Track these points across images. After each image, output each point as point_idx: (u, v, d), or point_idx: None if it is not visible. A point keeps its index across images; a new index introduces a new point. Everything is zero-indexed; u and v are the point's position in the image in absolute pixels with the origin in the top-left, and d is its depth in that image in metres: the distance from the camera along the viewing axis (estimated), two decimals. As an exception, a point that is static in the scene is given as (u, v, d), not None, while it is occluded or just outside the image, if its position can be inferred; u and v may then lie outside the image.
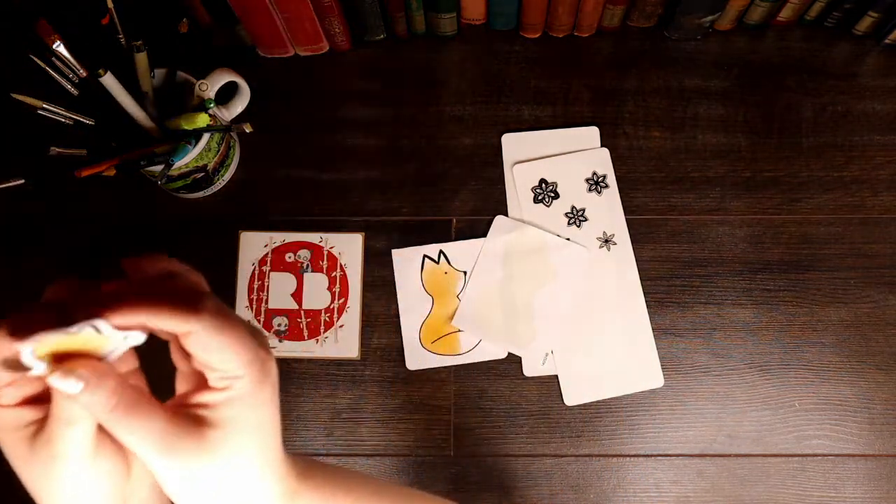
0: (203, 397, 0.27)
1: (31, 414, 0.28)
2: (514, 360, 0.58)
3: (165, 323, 0.26)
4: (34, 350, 0.24)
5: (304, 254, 0.60)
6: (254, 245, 0.60)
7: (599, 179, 0.61)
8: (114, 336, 0.26)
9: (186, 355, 0.28)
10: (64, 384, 0.25)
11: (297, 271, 0.60)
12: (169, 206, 0.61)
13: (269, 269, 0.60)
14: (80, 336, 0.25)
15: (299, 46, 0.63)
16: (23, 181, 0.50)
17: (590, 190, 0.61)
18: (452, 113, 0.63)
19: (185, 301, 0.26)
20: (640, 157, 0.61)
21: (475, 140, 0.62)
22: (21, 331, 0.25)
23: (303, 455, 0.33)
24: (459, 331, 0.58)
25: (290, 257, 0.60)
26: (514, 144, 0.62)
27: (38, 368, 0.24)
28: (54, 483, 0.27)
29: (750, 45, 0.64)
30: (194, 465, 0.27)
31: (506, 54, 0.64)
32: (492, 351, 0.58)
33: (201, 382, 0.28)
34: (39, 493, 0.28)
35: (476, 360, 0.58)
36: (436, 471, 0.56)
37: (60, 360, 0.25)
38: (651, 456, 0.56)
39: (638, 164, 0.61)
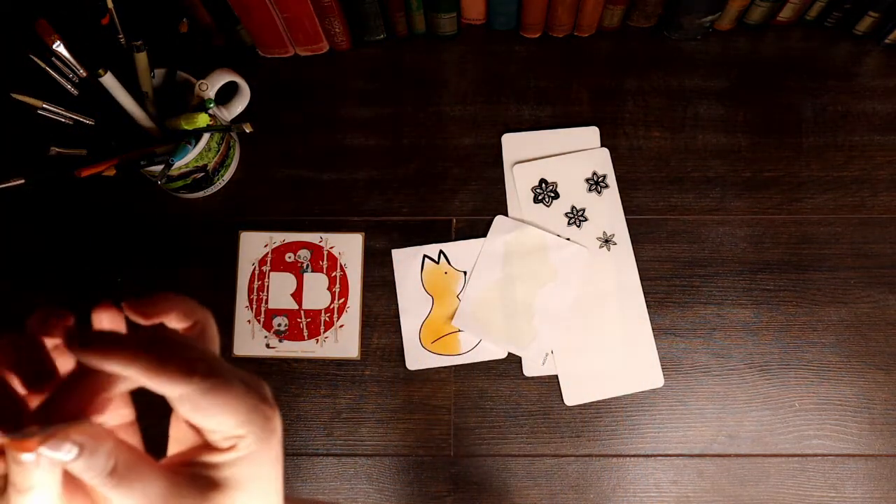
0: (205, 457, 0.26)
1: None
2: (514, 360, 0.58)
3: (157, 386, 0.24)
4: None
5: (304, 254, 0.60)
6: (254, 245, 0.60)
7: (599, 179, 0.61)
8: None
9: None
10: (56, 453, 0.22)
11: (297, 271, 0.60)
12: (169, 206, 0.61)
13: (269, 269, 0.60)
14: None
15: (299, 46, 0.63)
16: (23, 181, 0.50)
17: (590, 190, 0.61)
18: (452, 113, 0.63)
19: (176, 364, 0.24)
20: (640, 157, 0.61)
21: (475, 140, 0.62)
22: None
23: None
24: (459, 331, 0.58)
25: (290, 257, 0.60)
26: (514, 144, 0.62)
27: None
28: None
29: (750, 45, 0.64)
30: None
31: (506, 54, 0.64)
32: (492, 351, 0.58)
33: (202, 442, 0.27)
34: None
35: (476, 360, 0.58)
36: (436, 471, 0.56)
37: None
38: (651, 456, 0.56)
39: (638, 164, 0.61)
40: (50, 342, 0.27)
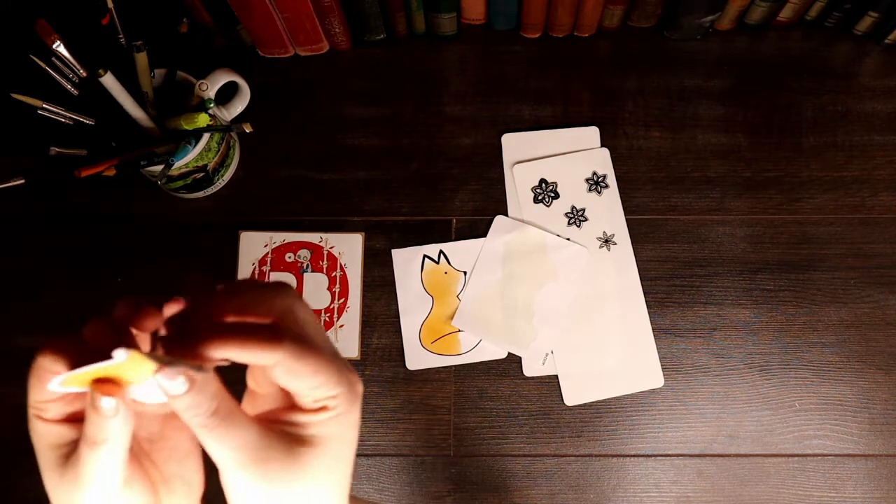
0: (295, 416, 0.27)
1: (70, 433, 0.27)
2: (514, 360, 0.58)
3: (252, 357, 0.25)
4: (62, 381, 0.24)
5: (304, 254, 0.60)
6: (254, 245, 0.60)
7: (599, 179, 0.61)
8: (147, 375, 0.24)
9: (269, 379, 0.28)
10: (170, 383, 0.24)
11: (297, 271, 0.60)
12: (169, 206, 0.61)
13: (269, 269, 0.60)
14: (117, 366, 0.23)
15: (299, 46, 0.63)
16: (23, 181, 0.50)
17: (590, 190, 0.61)
18: (452, 113, 0.63)
19: (266, 333, 0.26)
20: (640, 157, 0.61)
21: (475, 140, 0.62)
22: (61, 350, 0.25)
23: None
24: (459, 331, 0.58)
25: (290, 257, 0.60)
26: (514, 144, 0.62)
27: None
28: None
29: (750, 45, 0.64)
30: (281, 481, 0.26)
31: (506, 54, 0.64)
32: (492, 351, 0.58)
33: (290, 402, 0.28)
34: None
35: (476, 360, 0.58)
36: (436, 471, 0.56)
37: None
38: (651, 456, 0.56)
39: (638, 164, 0.61)
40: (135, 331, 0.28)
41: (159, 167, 0.52)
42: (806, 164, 0.61)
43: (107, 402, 0.24)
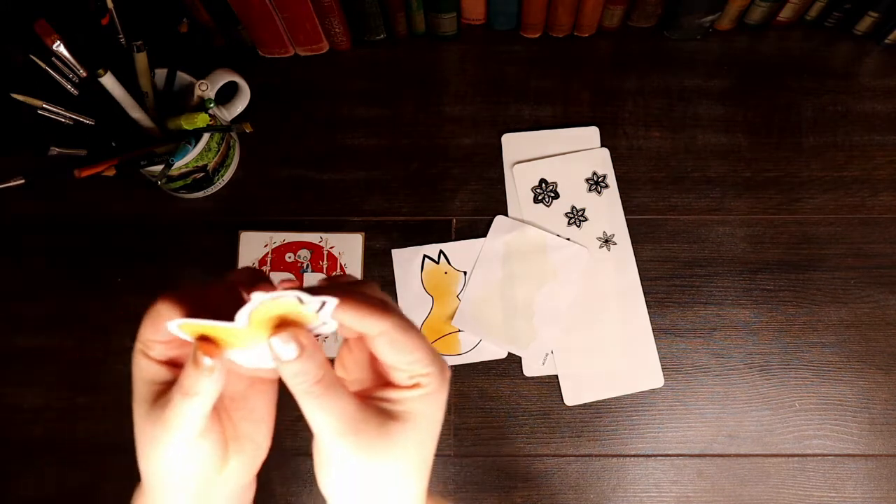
0: (387, 393, 0.29)
1: (167, 374, 0.29)
2: (514, 360, 0.58)
3: (362, 322, 0.27)
4: (180, 325, 0.25)
5: (304, 254, 0.60)
6: (254, 245, 0.60)
7: (599, 179, 0.61)
8: (313, 314, 0.26)
9: (366, 356, 0.30)
10: (283, 348, 0.25)
11: (298, 271, 0.60)
12: (169, 206, 0.61)
13: (269, 269, 0.60)
14: (283, 303, 0.25)
15: (299, 46, 0.63)
16: (23, 181, 0.50)
17: (590, 190, 0.61)
18: (452, 113, 0.63)
19: (378, 303, 0.28)
20: (640, 157, 0.61)
21: (475, 140, 0.62)
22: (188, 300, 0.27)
23: None
24: (459, 331, 0.58)
25: (290, 257, 0.60)
26: (514, 144, 0.62)
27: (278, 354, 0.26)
28: (156, 447, 0.28)
29: (750, 45, 0.64)
30: (375, 453, 0.27)
31: (506, 54, 0.64)
32: (492, 351, 0.58)
33: (382, 380, 0.30)
34: (140, 450, 0.30)
35: (476, 360, 0.58)
36: (436, 471, 0.56)
37: (280, 325, 0.26)
38: (651, 456, 0.56)
39: (638, 164, 0.61)
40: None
41: (159, 167, 0.52)
42: (806, 164, 0.61)
43: (208, 361, 0.26)
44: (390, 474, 0.28)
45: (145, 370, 0.30)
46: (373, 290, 0.30)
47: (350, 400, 0.27)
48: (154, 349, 0.29)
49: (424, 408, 0.29)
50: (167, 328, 0.25)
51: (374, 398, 0.29)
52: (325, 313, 0.26)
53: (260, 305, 0.24)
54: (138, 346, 0.30)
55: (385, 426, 0.28)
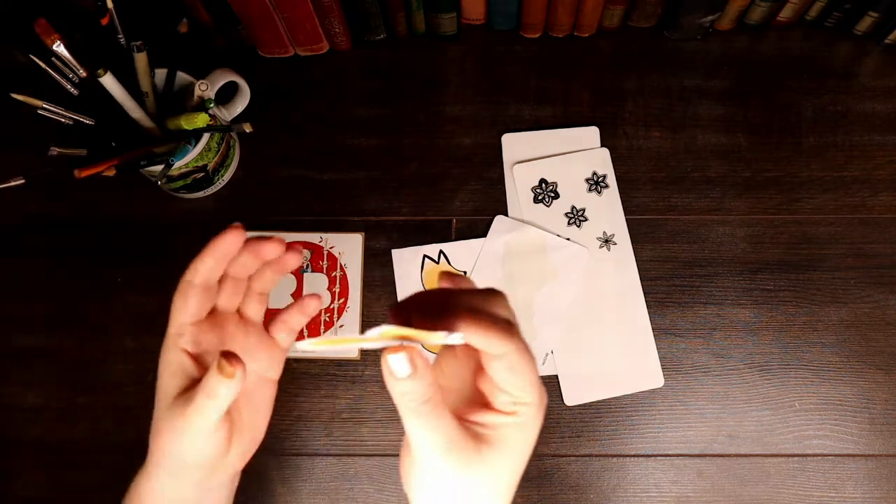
0: (484, 417, 0.29)
1: (193, 371, 0.33)
2: (514, 360, 0.58)
3: (489, 343, 0.27)
4: (312, 342, 0.26)
5: (304, 254, 0.60)
6: (254, 245, 0.60)
7: (599, 179, 0.61)
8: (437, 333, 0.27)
9: (470, 369, 0.31)
10: (398, 365, 0.26)
11: (298, 271, 0.60)
12: (169, 206, 0.61)
13: (269, 269, 0.60)
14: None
15: (299, 46, 0.63)
16: (23, 181, 0.50)
17: (590, 190, 0.61)
18: (452, 113, 0.63)
19: (504, 325, 0.28)
20: (640, 157, 0.61)
21: (475, 140, 0.62)
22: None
23: None
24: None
25: (290, 257, 0.60)
26: (514, 144, 0.62)
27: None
28: (176, 436, 0.32)
29: (750, 45, 0.64)
30: (468, 471, 0.28)
31: (506, 54, 0.64)
32: (492, 351, 0.58)
33: (478, 396, 0.30)
34: (158, 437, 0.34)
35: (476, 360, 0.58)
36: (436, 471, 0.56)
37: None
38: (651, 456, 0.56)
39: (638, 164, 0.61)
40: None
41: (159, 167, 0.52)
42: (806, 164, 0.61)
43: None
44: (481, 493, 0.29)
45: (174, 364, 0.33)
46: (501, 305, 0.30)
47: (451, 421, 0.28)
48: (185, 336, 0.32)
49: (519, 436, 0.29)
50: (298, 348, 0.27)
51: (470, 421, 0.29)
52: (452, 337, 0.28)
53: (389, 329, 0.26)
54: (171, 331, 0.33)
55: (478, 449, 0.28)
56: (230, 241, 0.35)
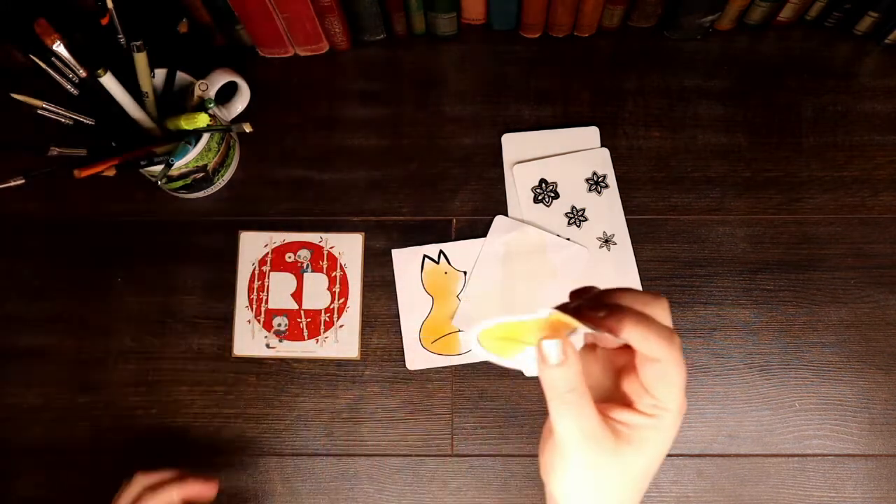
0: (625, 415, 0.30)
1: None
2: (514, 360, 0.58)
3: (649, 346, 0.28)
4: (479, 335, 0.28)
5: (304, 254, 0.60)
6: (254, 245, 0.60)
7: (599, 179, 0.61)
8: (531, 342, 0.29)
9: (615, 368, 0.31)
10: (551, 351, 0.28)
11: (297, 271, 0.60)
12: (169, 206, 0.61)
13: (269, 269, 0.60)
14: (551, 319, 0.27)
15: (299, 46, 0.63)
16: (23, 181, 0.50)
17: (590, 190, 0.61)
18: (452, 113, 0.63)
19: (666, 331, 0.28)
20: (640, 157, 0.61)
21: (475, 140, 0.62)
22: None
23: None
24: (459, 331, 0.58)
25: (290, 257, 0.60)
26: (514, 144, 0.62)
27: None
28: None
29: (750, 45, 0.64)
30: (607, 466, 0.29)
31: (506, 54, 0.64)
32: (492, 351, 0.58)
33: (621, 402, 0.30)
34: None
35: (476, 360, 0.58)
36: (436, 471, 0.56)
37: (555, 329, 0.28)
38: (651, 456, 0.56)
39: (638, 164, 0.61)
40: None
41: (159, 167, 0.52)
42: (806, 164, 0.61)
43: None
44: (613, 486, 0.30)
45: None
46: (663, 310, 0.30)
47: (594, 413, 0.28)
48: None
49: (657, 439, 0.30)
50: (469, 334, 0.27)
51: (610, 417, 0.30)
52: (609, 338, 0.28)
53: (555, 313, 0.27)
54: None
55: (616, 446, 0.29)
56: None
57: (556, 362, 0.28)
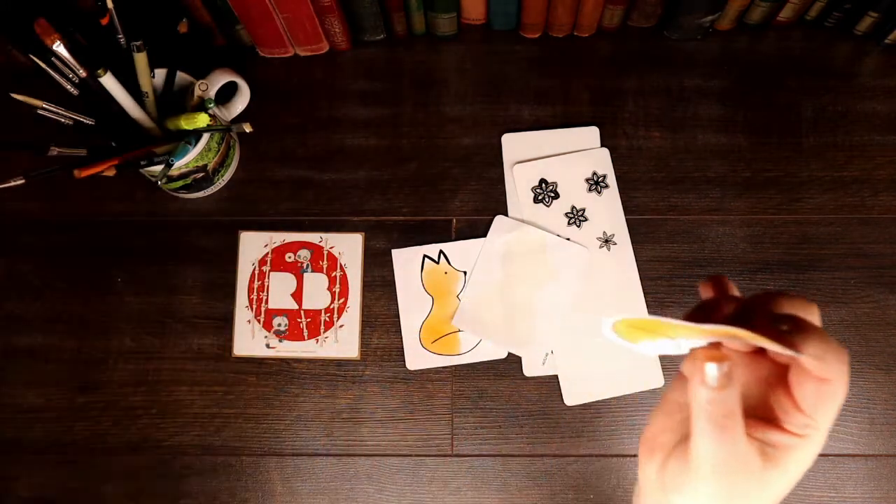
0: (774, 437, 0.27)
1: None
2: (514, 360, 0.58)
3: (828, 368, 0.26)
4: (614, 323, 0.26)
5: (304, 254, 0.60)
6: (254, 245, 0.60)
7: (599, 179, 0.61)
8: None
9: (765, 383, 0.29)
10: (712, 373, 0.25)
11: (297, 271, 0.60)
12: (169, 206, 0.61)
13: (269, 269, 0.60)
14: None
15: (299, 46, 0.63)
16: (23, 181, 0.50)
17: (590, 190, 0.61)
18: (452, 113, 0.63)
19: (841, 350, 0.26)
20: (640, 157, 0.61)
21: (475, 140, 0.62)
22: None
23: None
24: (459, 331, 0.58)
25: (290, 257, 0.60)
26: (514, 144, 0.62)
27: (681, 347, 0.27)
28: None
29: (750, 45, 0.64)
30: (742, 491, 0.27)
31: (506, 54, 0.64)
32: (492, 351, 0.58)
33: (763, 417, 0.28)
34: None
35: (476, 360, 0.58)
36: (436, 471, 0.56)
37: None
38: (651, 456, 0.56)
39: (638, 164, 0.61)
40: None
41: (159, 167, 0.52)
42: (806, 164, 0.61)
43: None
44: None
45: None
46: (818, 318, 0.28)
47: (743, 437, 0.26)
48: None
49: (803, 459, 0.28)
50: (604, 324, 0.25)
51: (756, 438, 0.27)
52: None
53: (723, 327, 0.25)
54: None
55: (764, 469, 0.27)
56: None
57: (716, 385, 0.25)
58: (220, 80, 0.55)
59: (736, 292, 0.31)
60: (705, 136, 0.62)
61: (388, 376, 0.58)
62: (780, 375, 0.28)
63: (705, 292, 0.31)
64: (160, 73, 0.55)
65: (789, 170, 0.61)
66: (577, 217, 0.60)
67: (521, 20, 0.62)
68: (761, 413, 0.28)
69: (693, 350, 0.26)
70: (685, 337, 0.26)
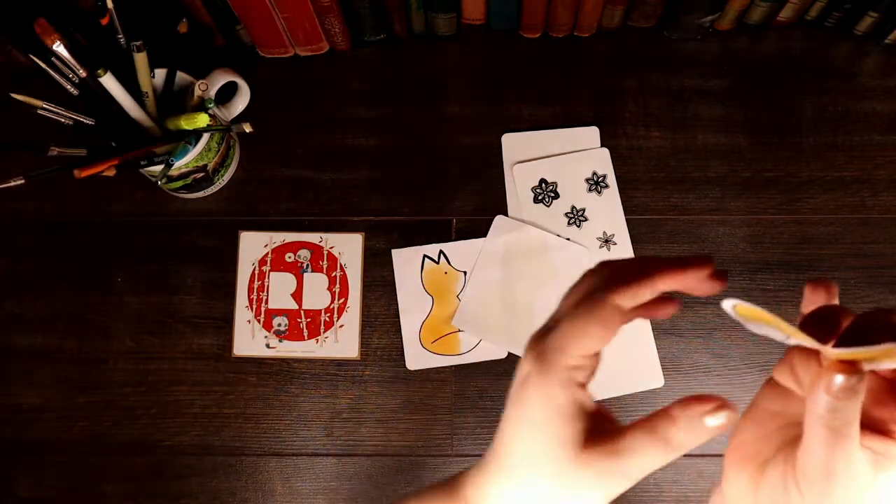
0: (883, 447, 0.27)
1: (588, 405, 0.29)
2: (514, 360, 0.58)
3: None
4: (735, 305, 0.26)
5: (304, 254, 0.60)
6: (254, 245, 0.60)
7: (599, 179, 0.61)
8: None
9: (873, 395, 0.28)
10: (846, 384, 0.24)
11: (297, 271, 0.60)
12: (169, 206, 0.61)
13: (269, 269, 0.60)
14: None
15: (299, 46, 0.63)
16: (23, 181, 0.50)
17: (590, 190, 0.61)
18: (452, 113, 0.63)
19: None
20: (640, 157, 0.61)
21: (475, 140, 0.62)
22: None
23: None
24: (459, 331, 0.58)
25: (290, 257, 0.60)
26: (514, 144, 0.62)
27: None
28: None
29: (750, 45, 0.64)
30: (849, 498, 0.26)
31: (506, 54, 0.64)
32: (492, 351, 0.58)
33: (871, 425, 0.28)
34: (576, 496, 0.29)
35: (476, 360, 0.58)
36: (436, 471, 0.56)
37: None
38: (651, 456, 0.56)
39: (638, 164, 0.61)
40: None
41: (159, 167, 0.52)
42: (806, 164, 0.61)
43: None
44: None
45: (572, 404, 0.28)
46: None
47: (858, 447, 0.26)
48: (582, 373, 0.27)
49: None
50: (724, 306, 0.25)
51: (866, 447, 0.27)
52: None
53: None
54: (566, 364, 0.28)
55: (875, 480, 0.26)
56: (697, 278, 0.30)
57: (841, 396, 0.24)
58: (220, 80, 0.55)
59: (836, 299, 0.30)
60: (705, 136, 0.62)
61: (388, 376, 0.58)
62: (883, 388, 0.28)
63: (814, 296, 0.31)
64: (160, 73, 0.55)
65: (789, 170, 0.61)
66: (577, 217, 0.60)
67: (521, 20, 0.62)
68: (865, 422, 0.28)
69: (829, 363, 0.26)
70: (792, 332, 0.26)
